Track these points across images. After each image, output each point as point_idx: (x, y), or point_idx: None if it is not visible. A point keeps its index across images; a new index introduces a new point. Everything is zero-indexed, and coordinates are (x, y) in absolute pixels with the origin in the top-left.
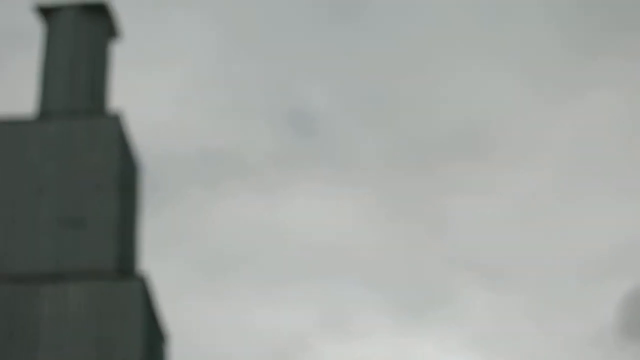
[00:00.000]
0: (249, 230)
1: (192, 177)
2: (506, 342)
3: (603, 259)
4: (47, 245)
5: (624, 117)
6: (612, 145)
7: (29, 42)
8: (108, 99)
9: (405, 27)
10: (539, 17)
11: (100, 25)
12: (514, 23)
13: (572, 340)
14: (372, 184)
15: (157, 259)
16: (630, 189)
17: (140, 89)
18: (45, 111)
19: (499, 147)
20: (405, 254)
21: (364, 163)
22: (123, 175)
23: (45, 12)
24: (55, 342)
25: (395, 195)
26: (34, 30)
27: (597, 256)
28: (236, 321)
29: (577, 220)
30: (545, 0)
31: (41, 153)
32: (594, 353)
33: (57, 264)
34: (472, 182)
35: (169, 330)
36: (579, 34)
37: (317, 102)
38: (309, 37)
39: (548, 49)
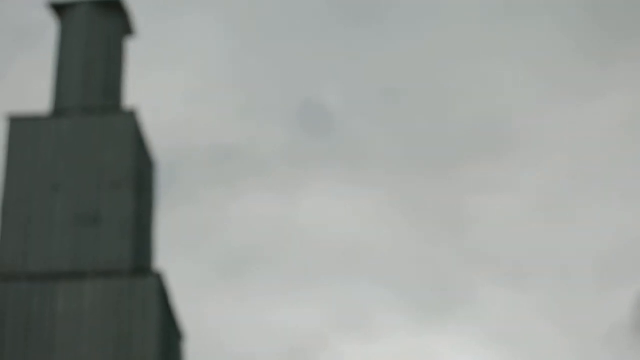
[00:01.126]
0: (265, 229)
1: (205, 175)
2: (523, 340)
3: (619, 257)
4: (63, 243)
5: None
6: (633, 145)
7: (42, 39)
8: (123, 96)
9: (422, 23)
10: (558, 15)
11: (114, 22)
12: (535, 22)
13: (586, 338)
14: (389, 182)
15: (172, 257)
16: None
17: (153, 86)
18: (60, 108)
19: (516, 145)
20: (423, 253)
21: (380, 161)
22: (138, 172)
23: (59, 9)
24: (71, 340)
25: (412, 193)
26: (48, 27)
27: (613, 255)
28: (253, 320)
29: (594, 219)
30: (564, 1)
31: (56, 150)
32: (607, 351)
33: (73, 262)
34: (489, 180)
35: (186, 328)
36: (600, 34)
37: (330, 99)
38: (322, 35)
39: (569, 47)
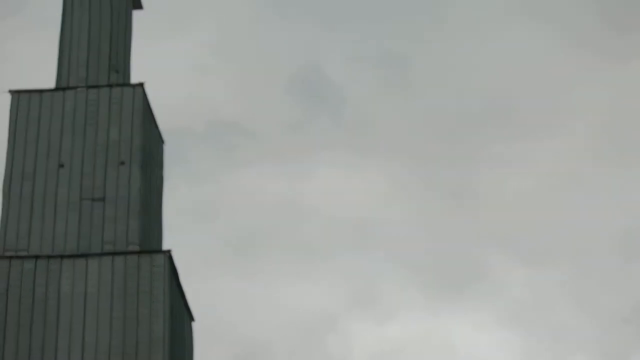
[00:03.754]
0: (272, 205)
1: (209, 151)
2: (542, 320)
3: None
4: (68, 222)
5: None
6: None
7: (47, 13)
8: (129, 70)
9: None
10: None
11: None
12: None
13: (608, 318)
14: (399, 155)
15: (179, 236)
16: None
17: (157, 60)
18: (65, 84)
19: (533, 116)
20: (437, 229)
21: (388, 132)
22: (146, 148)
23: None
24: (76, 322)
25: (423, 166)
26: (53, 1)
27: (637, 231)
28: (262, 299)
29: (616, 194)
30: None
31: (60, 126)
32: (628, 330)
33: (78, 241)
34: (505, 152)
35: (195, 309)
36: (620, 1)
37: (335, 67)
38: (325, 2)
39: (583, 14)
